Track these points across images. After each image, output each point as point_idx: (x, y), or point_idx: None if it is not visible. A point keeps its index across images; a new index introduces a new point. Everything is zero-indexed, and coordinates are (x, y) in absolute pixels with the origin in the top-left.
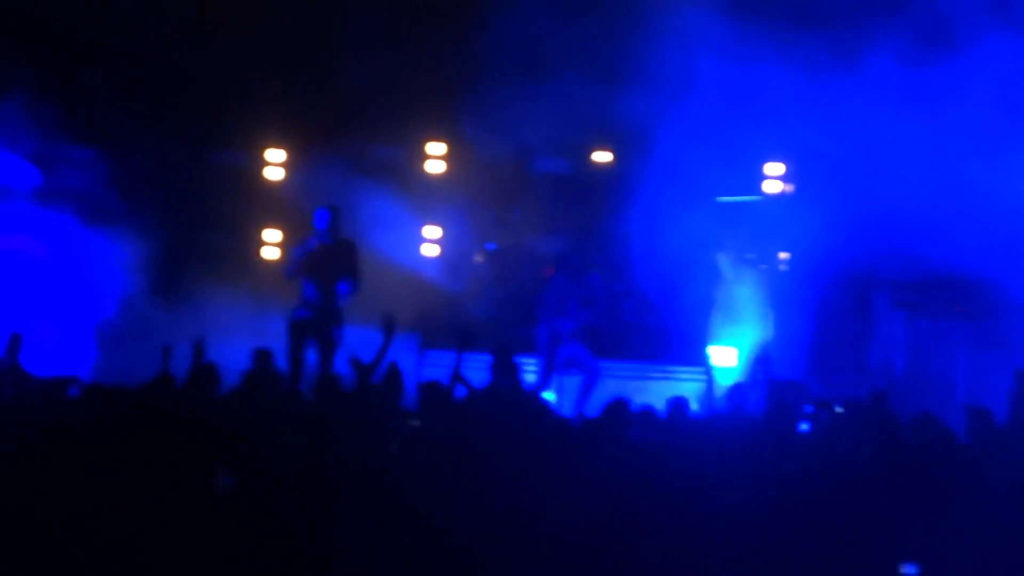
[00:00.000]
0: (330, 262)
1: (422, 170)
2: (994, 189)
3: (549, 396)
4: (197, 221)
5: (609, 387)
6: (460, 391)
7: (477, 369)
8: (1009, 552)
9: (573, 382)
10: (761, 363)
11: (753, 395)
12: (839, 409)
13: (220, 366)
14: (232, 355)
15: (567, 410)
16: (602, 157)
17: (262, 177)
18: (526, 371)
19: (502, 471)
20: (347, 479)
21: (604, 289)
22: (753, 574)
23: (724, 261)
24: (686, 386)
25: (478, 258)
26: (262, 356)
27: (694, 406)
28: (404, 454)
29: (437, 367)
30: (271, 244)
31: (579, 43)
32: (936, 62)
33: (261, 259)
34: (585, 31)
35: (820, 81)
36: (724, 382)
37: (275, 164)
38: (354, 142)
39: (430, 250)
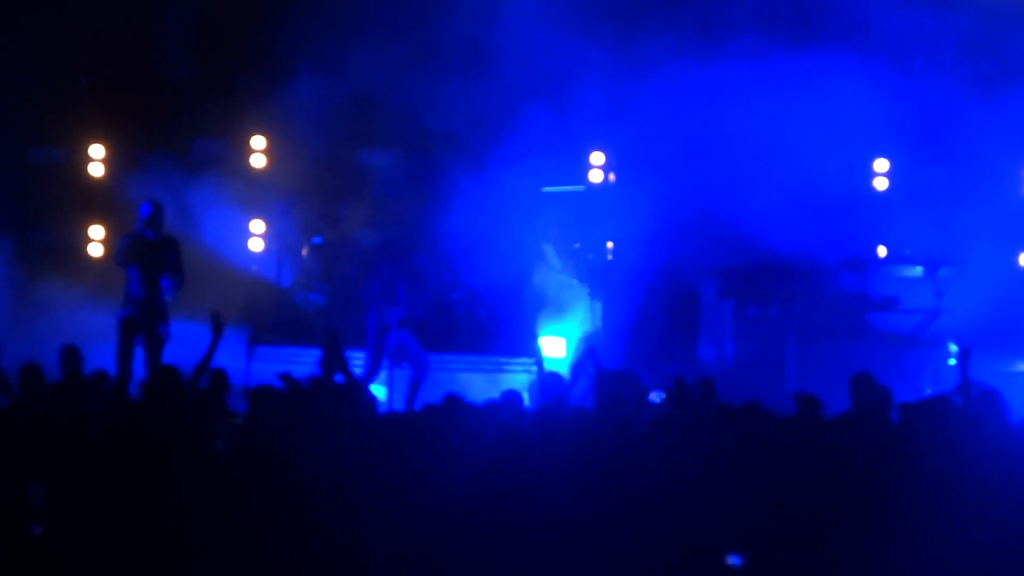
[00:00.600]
0: (154, 258)
1: (247, 164)
2: (817, 176)
3: (379, 390)
4: (21, 220)
5: (439, 380)
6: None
7: (307, 363)
8: (837, 539)
9: (402, 376)
10: (589, 354)
11: (580, 386)
12: (656, 397)
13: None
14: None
15: (396, 404)
16: (425, 149)
17: (85, 173)
18: (354, 364)
19: (326, 467)
20: (171, 479)
21: (431, 275)
22: (585, 571)
23: (551, 251)
24: (517, 378)
25: (305, 252)
26: (69, 354)
27: (526, 398)
28: (229, 452)
29: (266, 362)
30: (97, 240)
31: (399, 37)
32: (754, 52)
33: (88, 256)
34: (401, 23)
35: (642, 72)
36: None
37: (97, 160)
38: (177, 136)
39: (256, 244)
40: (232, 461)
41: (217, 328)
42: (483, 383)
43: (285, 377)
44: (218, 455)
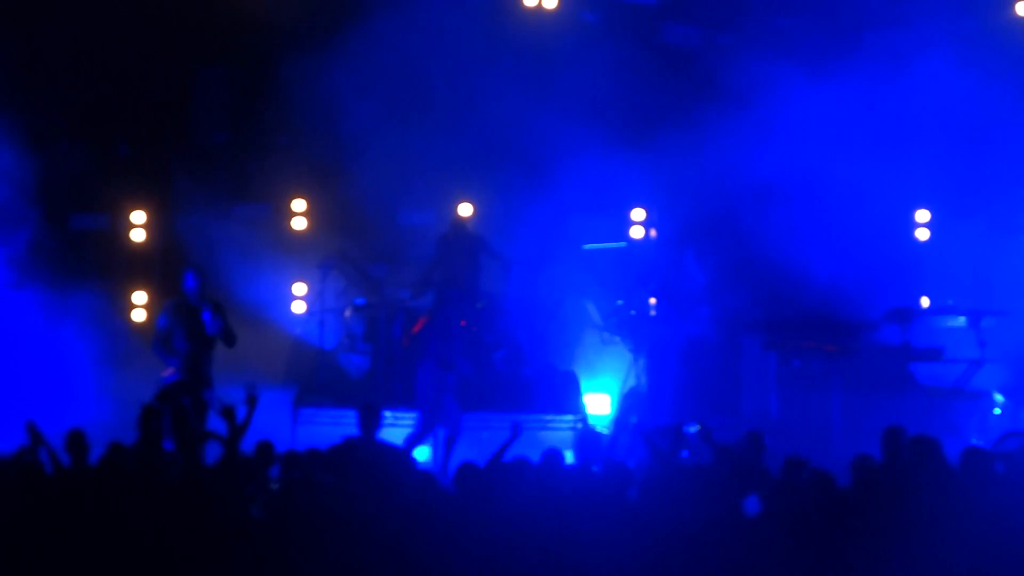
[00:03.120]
0: (199, 324)
1: (288, 227)
2: (859, 228)
3: (423, 451)
4: (63, 286)
5: (483, 439)
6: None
7: (352, 424)
8: None
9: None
10: (632, 410)
11: (624, 442)
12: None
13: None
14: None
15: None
16: (466, 210)
17: (127, 239)
18: (401, 424)
19: (365, 531)
20: (207, 547)
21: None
22: None
23: (593, 308)
24: (561, 435)
25: (348, 313)
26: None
27: (568, 455)
28: (265, 517)
29: (311, 424)
30: (139, 306)
31: (437, 99)
32: (793, 104)
33: (131, 321)
34: (440, 86)
35: (679, 128)
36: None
37: (138, 225)
38: (217, 201)
39: (298, 307)
40: (268, 526)
41: (251, 404)
42: (527, 441)
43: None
44: (255, 520)
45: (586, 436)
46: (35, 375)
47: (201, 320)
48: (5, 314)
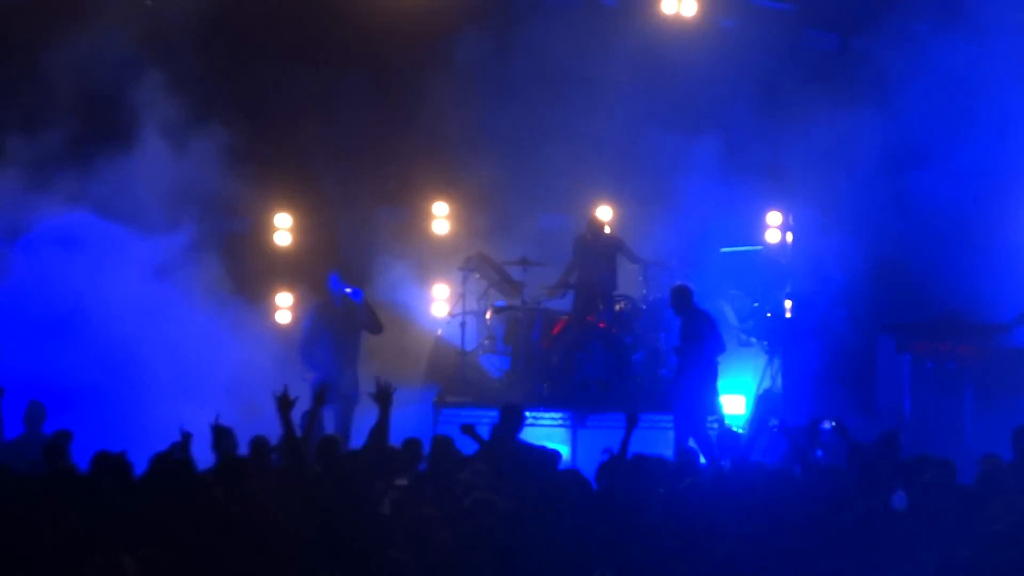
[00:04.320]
0: (347, 322)
1: (429, 230)
2: (992, 231)
3: (563, 448)
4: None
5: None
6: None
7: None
8: None
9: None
10: (768, 411)
11: (761, 442)
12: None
13: None
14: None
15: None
16: (604, 213)
17: (271, 241)
18: (540, 424)
19: (512, 530)
20: (337, 541)
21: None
22: None
23: (729, 310)
24: None
25: (488, 315)
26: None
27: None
28: (393, 513)
29: (452, 424)
30: (284, 308)
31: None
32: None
33: (276, 323)
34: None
35: (815, 132)
36: (736, 429)
37: (283, 229)
38: (360, 204)
39: (439, 308)
40: (396, 523)
41: (384, 398)
42: (665, 441)
43: (467, 428)
44: (384, 517)
45: (723, 436)
46: (180, 374)
47: (345, 319)
48: (159, 318)
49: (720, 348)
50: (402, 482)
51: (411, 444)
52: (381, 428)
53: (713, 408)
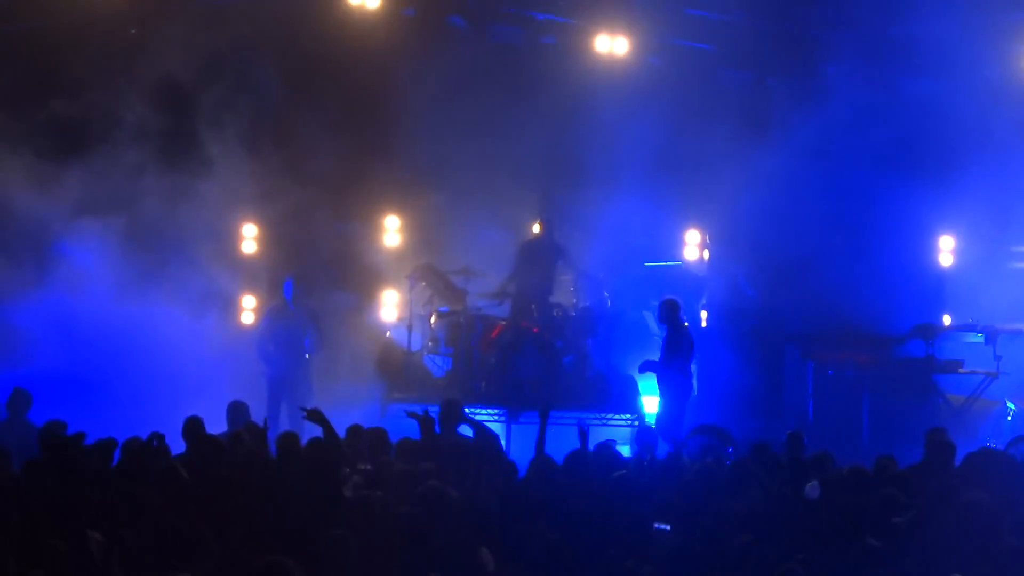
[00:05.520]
0: (299, 324)
1: (380, 241)
2: (889, 252)
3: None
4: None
5: (551, 435)
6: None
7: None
8: None
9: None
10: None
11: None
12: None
13: None
14: None
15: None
16: (542, 226)
17: (239, 249)
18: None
19: (458, 515)
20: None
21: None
22: None
23: (651, 319)
24: (622, 431)
25: (433, 320)
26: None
27: (624, 449)
28: (355, 497)
29: (397, 418)
30: (247, 310)
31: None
32: (830, 122)
33: (241, 326)
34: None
35: (728, 161)
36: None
37: (249, 238)
38: (318, 217)
39: (389, 313)
40: (357, 505)
41: (318, 418)
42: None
43: (414, 414)
44: (347, 500)
45: (642, 432)
46: (156, 370)
47: (298, 322)
48: (140, 320)
49: (694, 358)
50: (365, 467)
51: (353, 431)
52: (329, 436)
53: (683, 411)
